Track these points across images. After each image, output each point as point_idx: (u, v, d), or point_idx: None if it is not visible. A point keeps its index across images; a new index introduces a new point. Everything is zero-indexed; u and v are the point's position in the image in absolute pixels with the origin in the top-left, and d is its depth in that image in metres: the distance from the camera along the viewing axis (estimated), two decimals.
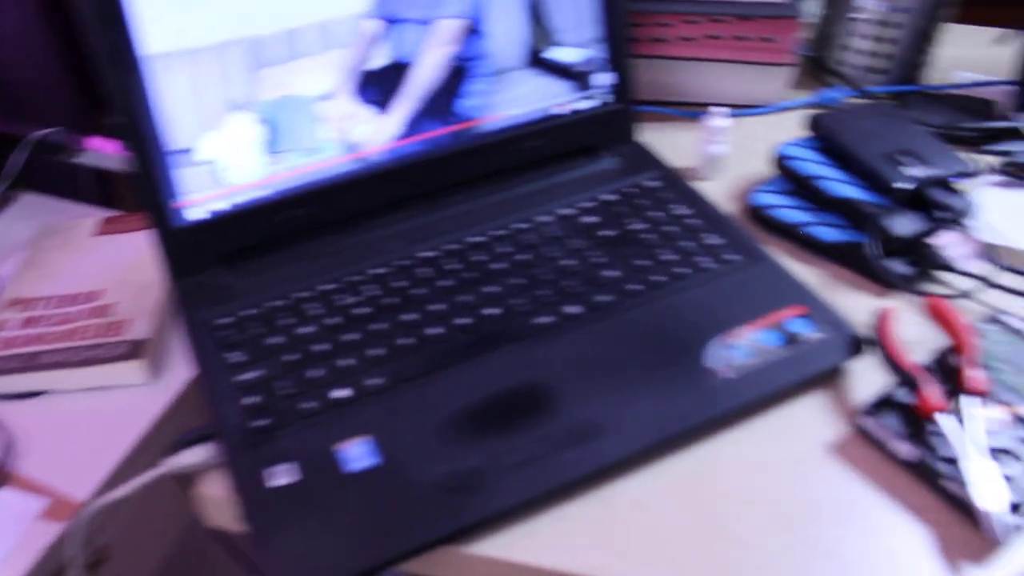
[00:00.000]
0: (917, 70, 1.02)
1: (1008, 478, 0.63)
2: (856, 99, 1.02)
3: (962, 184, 0.83)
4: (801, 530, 0.62)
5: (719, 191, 0.89)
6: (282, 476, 0.61)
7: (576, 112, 0.86)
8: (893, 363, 0.68)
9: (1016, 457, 0.64)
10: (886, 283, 0.78)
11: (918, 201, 0.80)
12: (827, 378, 0.72)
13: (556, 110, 0.85)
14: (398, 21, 0.75)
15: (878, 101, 0.91)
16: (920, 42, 1.00)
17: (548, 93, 0.84)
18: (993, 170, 0.91)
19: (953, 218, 0.78)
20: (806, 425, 0.69)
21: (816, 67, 1.05)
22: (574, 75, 0.85)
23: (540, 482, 0.61)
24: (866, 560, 0.60)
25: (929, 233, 0.78)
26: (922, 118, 0.96)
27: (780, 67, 0.96)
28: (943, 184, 0.82)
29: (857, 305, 0.78)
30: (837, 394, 0.71)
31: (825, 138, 0.86)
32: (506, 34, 0.80)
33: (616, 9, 0.83)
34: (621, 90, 0.87)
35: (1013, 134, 0.94)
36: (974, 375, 0.67)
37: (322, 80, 0.74)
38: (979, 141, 0.95)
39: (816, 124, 0.87)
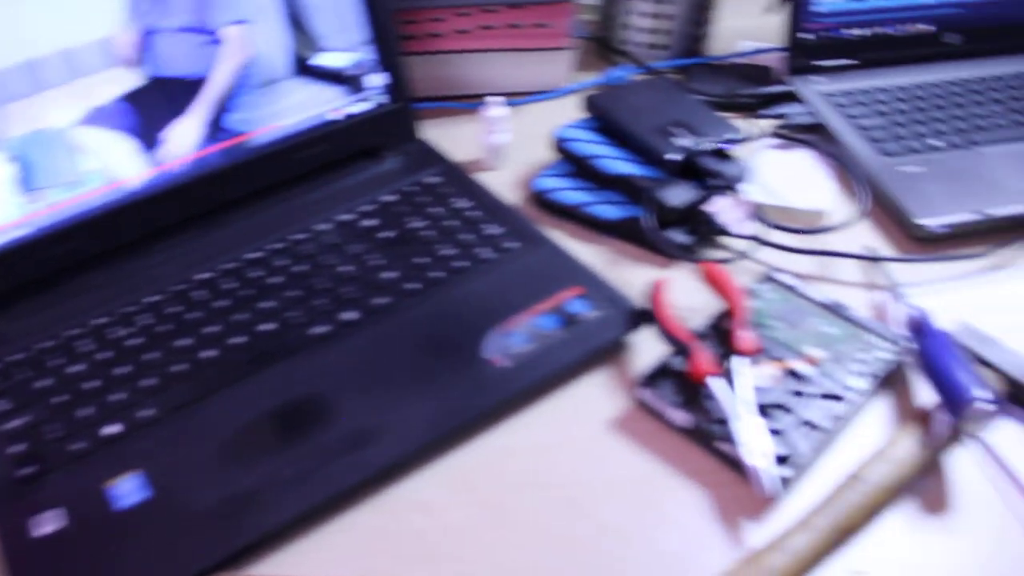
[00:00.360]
0: (698, 43, 1.04)
1: (778, 432, 0.65)
2: (641, 76, 1.02)
3: (734, 150, 0.85)
4: (586, 510, 0.62)
5: (505, 180, 0.88)
6: (48, 523, 0.58)
7: (351, 116, 0.85)
8: (666, 333, 0.69)
9: (787, 410, 0.65)
10: (667, 254, 0.79)
11: (692, 171, 0.81)
12: (609, 354, 0.73)
13: (330, 116, 0.84)
14: (155, 33, 0.72)
15: (654, 76, 0.92)
16: (698, 15, 1.02)
17: (320, 100, 0.82)
18: (769, 134, 0.92)
19: (725, 184, 0.79)
20: (589, 404, 0.69)
21: (602, 48, 1.06)
22: (345, 79, 0.84)
23: (314, 495, 0.60)
24: (650, 531, 0.61)
25: (703, 201, 0.79)
26: (703, 89, 0.98)
27: (558, 51, 0.96)
28: (716, 152, 0.83)
29: (641, 279, 0.79)
30: (619, 369, 0.71)
31: (601, 117, 0.86)
32: (269, 44, 0.78)
33: (380, 10, 0.82)
34: (396, 90, 0.86)
35: (788, 97, 0.96)
36: (743, 336, 0.68)
37: (73, 110, 0.71)
38: (757, 107, 0.97)
39: (591, 104, 0.87)
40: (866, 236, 0.85)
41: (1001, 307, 0.77)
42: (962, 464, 0.66)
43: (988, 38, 1.02)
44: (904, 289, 0.78)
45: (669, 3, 1.00)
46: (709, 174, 0.80)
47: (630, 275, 0.79)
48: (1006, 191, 0.85)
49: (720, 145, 0.82)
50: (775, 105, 0.97)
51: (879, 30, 0.98)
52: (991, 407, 0.62)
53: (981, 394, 0.62)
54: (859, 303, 0.78)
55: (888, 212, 0.86)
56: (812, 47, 0.97)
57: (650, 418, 0.67)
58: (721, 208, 0.79)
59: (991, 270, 0.81)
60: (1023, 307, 0.77)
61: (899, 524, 0.62)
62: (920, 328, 0.70)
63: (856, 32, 0.98)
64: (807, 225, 0.83)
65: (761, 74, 1.01)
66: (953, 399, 0.63)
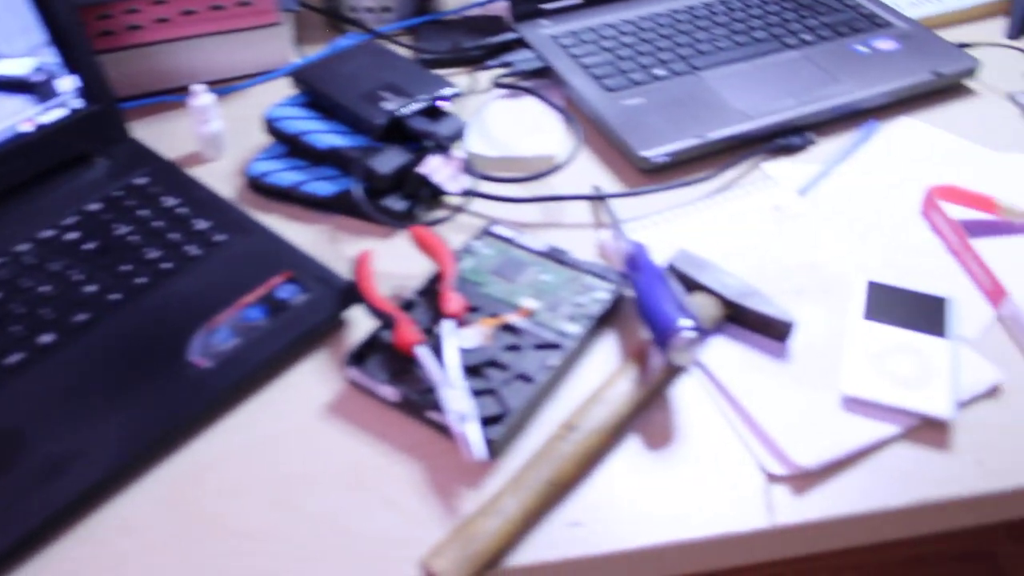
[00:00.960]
0: (428, 0, 1.00)
1: (492, 391, 0.63)
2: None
3: (451, 106, 0.83)
4: (302, 506, 0.59)
5: (224, 170, 0.84)
6: None
7: (44, 126, 0.78)
8: (371, 306, 0.65)
9: (502, 367, 0.63)
10: (386, 223, 0.75)
11: (404, 134, 0.78)
12: (325, 336, 0.69)
13: (22, 128, 0.77)
14: None
15: (366, 42, 0.88)
16: None
17: (4, 113, 0.75)
18: (495, 84, 0.90)
19: (438, 143, 0.76)
20: (303, 392, 0.66)
21: (331, 18, 1.01)
22: (30, 87, 0.77)
23: (9, 533, 0.55)
24: (364, 516, 0.58)
25: (415, 163, 0.76)
26: (430, 47, 0.96)
27: (270, 28, 0.91)
28: (429, 111, 0.81)
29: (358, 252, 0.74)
30: (335, 351, 0.68)
31: (309, 91, 0.82)
32: None
33: (56, 8, 0.75)
34: (93, 91, 0.80)
35: (516, 45, 0.93)
36: (450, 298, 0.65)
37: None
38: (485, 58, 0.93)
39: (298, 78, 0.83)
40: (597, 175, 0.83)
41: (723, 229, 0.77)
42: (684, 393, 0.65)
43: None
44: (630, 224, 0.77)
45: None
46: (420, 135, 0.77)
47: (351, 250, 0.76)
48: (726, 112, 0.85)
49: (434, 103, 0.79)
50: (504, 54, 0.93)
51: None
52: (694, 335, 0.60)
53: (684, 323, 0.60)
54: (587, 244, 0.76)
55: (616, 148, 0.84)
56: None
57: (365, 397, 0.64)
58: (434, 168, 0.76)
59: (715, 193, 0.81)
60: (743, 226, 0.77)
61: (619, 467, 0.61)
62: (635, 263, 0.67)
63: None
64: (536, 172, 0.80)
65: (492, 25, 0.98)
66: (659, 332, 0.62)
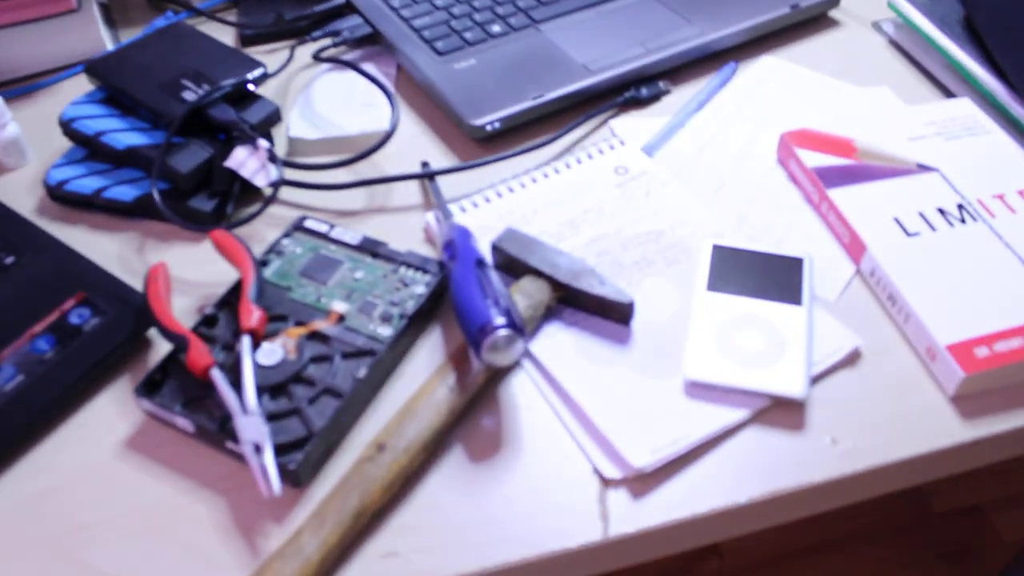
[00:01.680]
0: None
1: (296, 411, 0.57)
2: (189, 20, 0.91)
3: (264, 88, 0.78)
4: (90, 561, 0.52)
5: (27, 180, 0.76)
6: None
7: None
8: (162, 327, 0.58)
9: (308, 382, 0.56)
10: (189, 228, 0.68)
11: (211, 125, 0.70)
12: (126, 361, 0.63)
13: None
14: None
15: (171, 24, 0.79)
16: None
17: None
18: (313, 58, 0.83)
19: (243, 133, 0.68)
20: (99, 428, 0.59)
21: None
22: None
23: None
24: (164, 568, 0.52)
25: (221, 157, 0.67)
26: (251, 21, 0.88)
27: (70, 16, 0.82)
28: (237, 97, 0.74)
29: (170, 261, 0.66)
30: (136, 377, 0.62)
31: (105, 85, 0.73)
32: None
33: None
34: None
35: (346, 10, 0.85)
36: (246, 312, 0.58)
37: None
38: (312, 28, 0.85)
39: (93, 72, 0.74)
40: (431, 149, 0.77)
41: (562, 199, 0.71)
42: (514, 391, 0.59)
43: None
44: (463, 200, 0.71)
45: None
46: (224, 125, 0.68)
47: (161, 259, 0.69)
48: (567, 68, 0.78)
49: (243, 87, 0.71)
50: (333, 21, 0.84)
51: None
52: (508, 333, 0.53)
53: (497, 321, 0.54)
54: (416, 230, 0.70)
55: (450, 118, 0.77)
56: None
57: (166, 429, 0.58)
58: (241, 160, 0.68)
59: (557, 158, 0.75)
60: (584, 194, 0.71)
61: (439, 485, 0.55)
62: (451, 249, 0.60)
63: None
64: (360, 153, 0.72)
65: None
66: (470, 332, 0.55)
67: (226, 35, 0.88)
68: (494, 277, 0.58)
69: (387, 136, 0.71)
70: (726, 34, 0.80)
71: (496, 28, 0.80)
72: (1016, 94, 0.71)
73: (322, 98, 0.78)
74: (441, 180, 0.72)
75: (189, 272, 0.66)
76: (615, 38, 0.78)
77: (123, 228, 0.71)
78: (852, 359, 0.59)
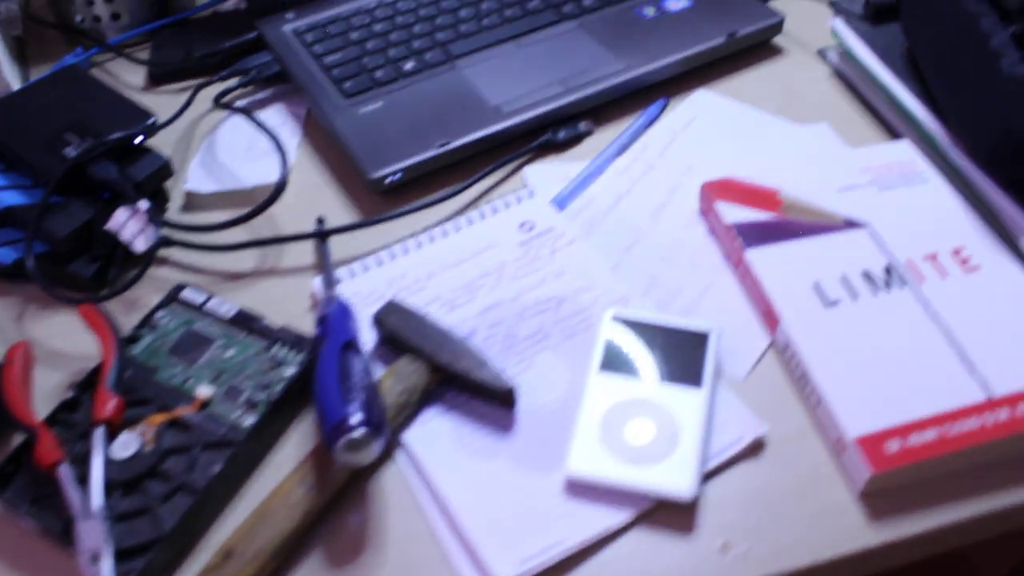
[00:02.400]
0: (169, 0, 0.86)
1: (146, 510, 0.52)
2: (100, 56, 0.87)
3: (157, 137, 0.73)
4: None
5: None
6: None
7: None
8: (11, 417, 0.54)
9: (165, 477, 0.52)
10: (61, 299, 0.64)
11: (92, 182, 0.67)
12: None
13: None
14: None
15: (64, 68, 0.75)
16: None
17: None
18: (214, 103, 0.78)
19: (125, 192, 0.63)
20: None
21: (65, 31, 0.87)
22: None
23: None
24: None
25: (102, 218, 0.63)
26: (160, 59, 0.84)
27: None
28: (124, 152, 0.69)
29: (47, 332, 0.64)
30: None
31: None
32: None
33: None
34: None
35: (260, 45, 0.80)
36: (101, 399, 0.54)
37: None
38: (223, 65, 0.79)
39: None
40: (333, 202, 0.72)
41: (461, 260, 0.66)
42: (385, 486, 0.55)
43: None
44: (357, 263, 0.66)
45: None
46: (103, 184, 0.64)
47: (38, 328, 0.65)
48: (479, 110, 0.73)
49: (131, 141, 0.66)
50: (246, 58, 0.79)
51: None
52: (363, 433, 0.48)
53: (352, 419, 0.49)
54: (307, 294, 0.65)
55: (353, 166, 0.71)
56: None
57: (14, 527, 0.53)
58: (120, 222, 0.63)
59: (461, 212, 0.70)
60: (485, 254, 0.66)
61: None
62: (323, 326, 0.55)
63: None
64: (255, 207, 0.68)
65: (243, 23, 0.84)
66: (324, 428, 0.50)
67: (137, 73, 0.83)
68: (359, 364, 0.53)
69: (277, 191, 0.66)
70: (655, 68, 0.74)
71: (409, 65, 0.75)
72: (954, 139, 0.64)
73: (225, 145, 0.74)
74: (339, 238, 0.66)
75: (69, 343, 0.63)
76: (534, 75, 0.73)
77: (3, 292, 0.66)
78: (755, 449, 0.54)
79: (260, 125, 0.72)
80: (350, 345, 0.55)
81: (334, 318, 0.57)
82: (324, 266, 0.63)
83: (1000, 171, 0.61)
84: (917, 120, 0.68)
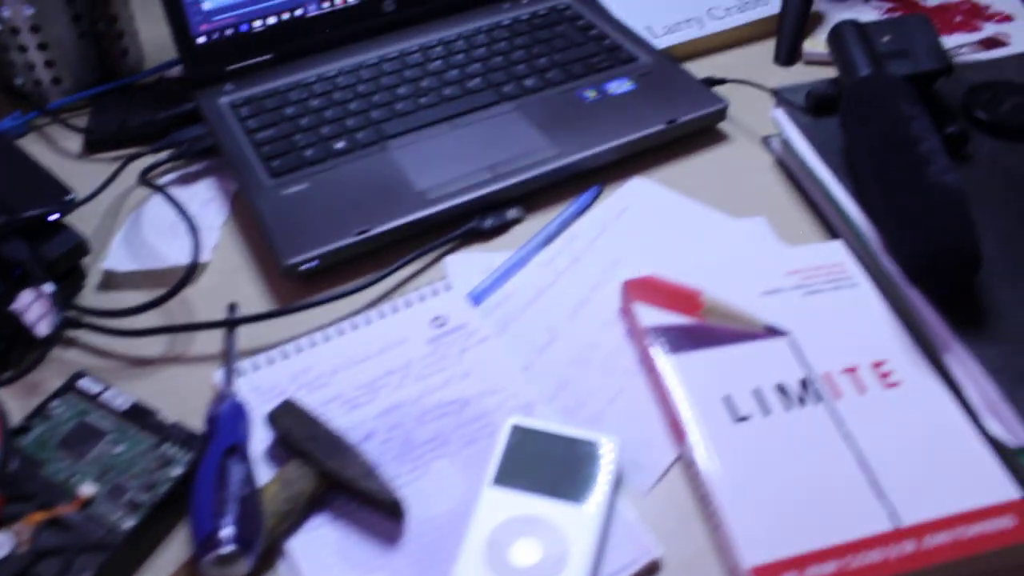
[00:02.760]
0: (115, 63, 0.85)
1: None
2: (39, 120, 0.87)
3: (76, 213, 0.70)
4: None
5: None
6: None
7: None
8: None
9: None
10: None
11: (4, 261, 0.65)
12: None
13: None
14: None
15: None
16: (108, 28, 0.84)
17: None
18: (139, 179, 0.77)
19: (32, 272, 0.62)
20: None
21: (5, 93, 0.86)
22: None
23: None
24: None
25: (7, 298, 0.61)
26: (96, 127, 0.83)
27: None
28: (37, 228, 0.67)
29: None
30: None
31: None
32: None
33: None
34: None
35: (194, 117, 0.79)
36: None
37: None
38: (163, 133, 0.78)
39: None
40: (252, 286, 0.70)
41: (369, 355, 0.64)
42: None
43: (421, 0, 0.85)
44: (258, 357, 0.64)
45: (52, 24, 0.80)
46: (13, 263, 0.63)
47: None
48: (405, 195, 0.71)
49: (45, 218, 0.65)
50: (184, 128, 0.78)
51: (294, 14, 0.81)
52: (228, 551, 0.46)
53: (222, 534, 0.46)
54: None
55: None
56: (209, 51, 0.80)
57: None
58: (26, 304, 0.62)
59: (377, 303, 0.68)
60: (394, 350, 0.64)
61: None
62: (213, 428, 0.53)
63: (263, 22, 0.80)
64: (172, 288, 0.67)
65: (185, 92, 0.83)
66: (194, 540, 0.47)
67: (75, 139, 0.82)
68: (240, 472, 0.51)
69: (187, 276, 0.65)
70: (590, 155, 0.72)
71: (340, 145, 0.73)
72: (884, 245, 0.62)
73: (150, 221, 0.72)
74: (250, 326, 0.65)
75: None
76: (464, 159, 0.71)
77: None
78: (649, 572, 0.51)
79: (177, 205, 0.71)
80: (235, 449, 0.53)
81: (223, 418, 0.55)
82: (228, 357, 0.61)
83: (924, 284, 0.58)
84: (851, 220, 0.66)
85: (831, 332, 0.59)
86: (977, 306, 0.58)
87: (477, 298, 0.65)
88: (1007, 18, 0.87)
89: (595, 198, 0.72)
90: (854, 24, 0.72)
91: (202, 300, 0.67)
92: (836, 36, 0.73)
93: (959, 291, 0.59)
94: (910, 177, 0.59)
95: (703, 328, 0.60)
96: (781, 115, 0.73)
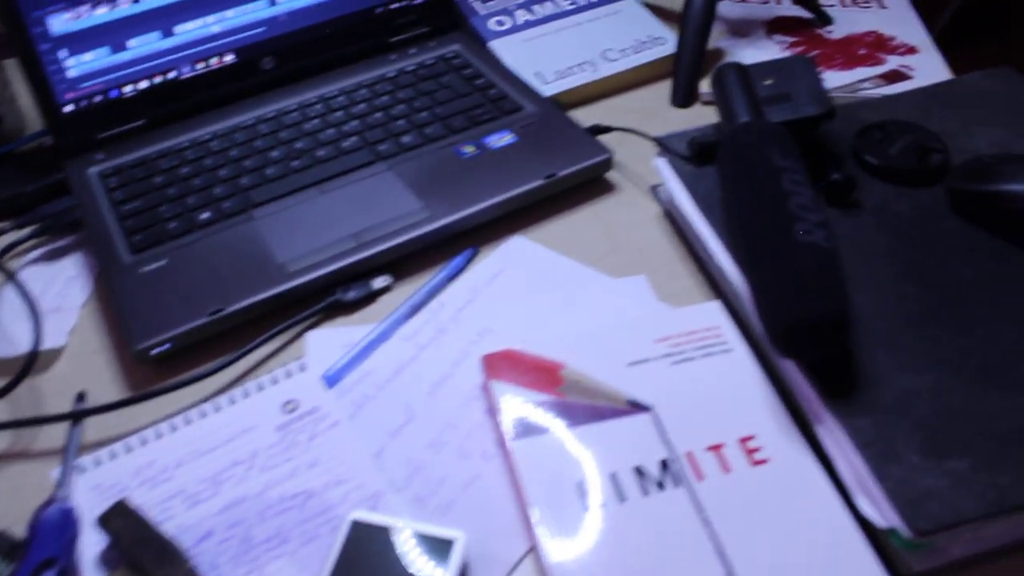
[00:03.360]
0: None
1: None
2: None
3: None
4: None
5: None
6: None
7: None
8: None
9: None
10: None
11: None
12: None
13: None
14: None
15: None
16: None
17: None
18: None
19: None
20: None
21: None
22: None
23: None
24: None
25: None
26: None
27: None
28: None
29: None
30: None
31: None
32: None
33: None
34: None
35: (62, 190, 0.75)
36: None
37: None
38: (33, 205, 0.75)
39: None
40: (106, 372, 0.66)
41: (219, 444, 0.60)
42: None
43: (301, 56, 0.82)
44: (99, 452, 0.60)
45: None
46: None
47: None
48: (265, 268, 0.68)
49: None
50: (56, 200, 0.75)
51: (166, 77, 0.78)
52: None
53: None
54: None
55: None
56: (78, 119, 0.77)
57: None
58: None
59: (227, 388, 0.65)
60: (244, 438, 0.61)
61: None
62: (30, 538, 0.50)
63: (134, 87, 0.76)
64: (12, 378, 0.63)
65: (53, 161, 0.79)
66: None
67: None
68: None
69: (28, 364, 0.61)
70: (463, 216, 0.68)
71: (205, 215, 0.70)
72: (754, 308, 0.58)
73: (9, 304, 0.68)
74: (102, 416, 0.62)
75: None
76: (330, 227, 0.68)
77: None
78: None
79: (20, 288, 0.67)
80: (51, 563, 0.49)
81: (43, 528, 0.52)
82: (64, 456, 0.57)
83: (786, 353, 0.54)
84: (728, 279, 0.62)
85: (698, 405, 0.56)
86: (851, 372, 0.54)
87: (333, 378, 0.61)
88: (912, 50, 0.84)
89: (469, 261, 0.69)
90: (736, 67, 0.69)
91: (53, 388, 0.64)
92: (718, 80, 0.69)
93: (829, 357, 0.54)
94: (775, 236, 0.56)
95: (562, 405, 0.56)
96: (663, 164, 0.69)
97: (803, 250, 0.55)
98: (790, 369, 0.56)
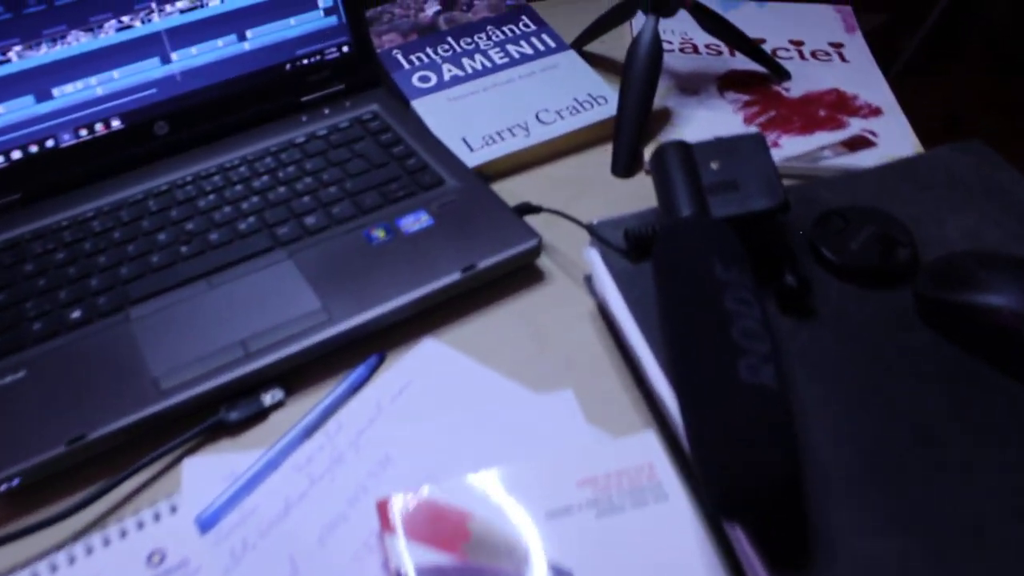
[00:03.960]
0: None
1: None
2: None
3: None
4: None
5: None
6: None
7: None
8: None
9: None
10: None
11: None
12: None
13: None
14: None
15: None
16: None
17: None
18: None
19: None
20: None
21: None
22: None
23: None
24: None
25: None
26: None
27: None
28: None
29: None
30: None
31: None
32: None
33: None
34: None
35: None
36: None
37: None
38: None
39: None
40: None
41: None
42: None
43: (199, 120, 0.73)
44: None
45: None
46: None
47: None
48: (134, 382, 0.59)
49: None
50: None
51: (44, 146, 0.70)
52: None
53: None
54: None
55: None
56: None
57: None
58: None
59: (84, 534, 0.55)
60: None
61: None
62: None
63: (6, 157, 0.67)
64: None
65: None
66: None
67: None
68: None
69: None
70: (368, 319, 0.59)
71: (76, 314, 0.61)
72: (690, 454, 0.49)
73: None
74: None
75: None
76: (215, 331, 0.59)
77: None
78: None
79: None
80: None
81: None
82: None
83: (727, 515, 0.46)
84: (664, 403, 0.53)
85: (626, 571, 0.46)
86: (803, 534, 0.46)
87: (208, 521, 0.52)
88: (876, 111, 0.75)
89: (374, 371, 0.60)
90: (678, 147, 0.60)
91: None
92: (657, 161, 0.61)
93: (777, 518, 0.46)
94: (715, 372, 0.47)
95: (467, 571, 0.47)
96: (595, 257, 0.61)
97: (747, 394, 0.46)
98: (733, 529, 0.47)
